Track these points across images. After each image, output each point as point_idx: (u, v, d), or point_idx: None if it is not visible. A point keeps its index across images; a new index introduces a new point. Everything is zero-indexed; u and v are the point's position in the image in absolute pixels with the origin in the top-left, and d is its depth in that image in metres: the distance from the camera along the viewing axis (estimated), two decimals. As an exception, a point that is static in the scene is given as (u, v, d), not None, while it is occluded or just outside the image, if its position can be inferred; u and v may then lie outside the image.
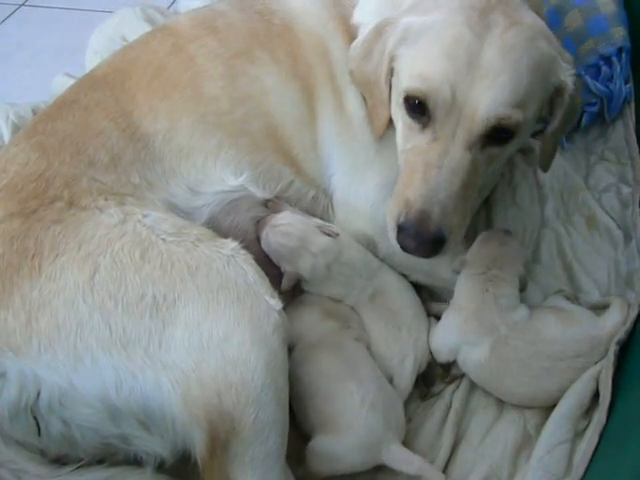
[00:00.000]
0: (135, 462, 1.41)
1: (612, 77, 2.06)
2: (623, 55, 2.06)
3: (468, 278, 1.66)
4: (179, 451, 1.37)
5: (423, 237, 1.42)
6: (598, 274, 1.83)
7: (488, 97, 1.38)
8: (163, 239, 1.42)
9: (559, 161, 2.01)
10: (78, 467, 1.38)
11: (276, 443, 1.34)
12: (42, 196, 1.46)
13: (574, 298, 1.74)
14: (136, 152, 1.61)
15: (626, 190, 1.96)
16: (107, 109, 1.64)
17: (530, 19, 1.47)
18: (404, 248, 1.47)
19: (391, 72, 1.56)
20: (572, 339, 1.58)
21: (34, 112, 2.24)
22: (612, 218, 1.91)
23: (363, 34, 1.66)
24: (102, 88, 1.68)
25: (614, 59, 2.05)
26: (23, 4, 3.67)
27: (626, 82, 2.06)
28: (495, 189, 2.00)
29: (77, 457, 1.39)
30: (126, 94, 1.66)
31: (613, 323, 1.60)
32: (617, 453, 1.39)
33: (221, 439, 1.29)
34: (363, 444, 1.47)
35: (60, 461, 1.40)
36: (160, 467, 1.40)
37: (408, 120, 1.50)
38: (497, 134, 1.43)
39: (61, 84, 2.39)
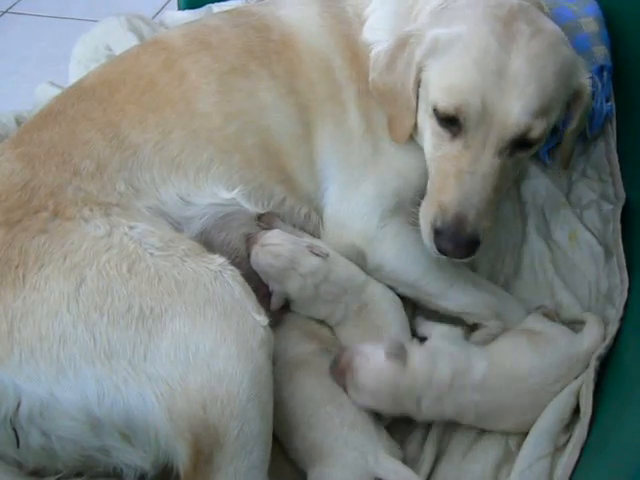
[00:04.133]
0: (115, 474, 1.39)
1: (594, 95, 2.08)
2: (605, 73, 2.08)
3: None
4: (161, 463, 1.36)
5: (460, 239, 1.50)
6: (579, 290, 1.84)
7: (518, 106, 1.45)
8: (151, 253, 1.41)
9: (541, 177, 2.03)
10: (56, 480, 1.36)
11: (260, 457, 1.33)
12: (27, 206, 1.45)
13: (554, 315, 1.75)
14: (123, 160, 1.59)
15: (607, 207, 1.97)
16: (94, 120, 1.63)
17: (550, 26, 1.55)
18: (441, 250, 1.55)
19: (418, 83, 1.60)
20: (550, 366, 1.58)
21: (17, 120, 2.22)
22: (593, 234, 1.92)
23: (378, 50, 1.70)
24: (90, 99, 1.67)
25: (596, 77, 2.07)
26: (6, 11, 3.66)
27: (607, 100, 2.08)
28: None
29: (55, 469, 1.38)
30: (115, 106, 1.65)
31: (591, 340, 1.61)
32: (597, 467, 1.40)
33: (205, 452, 1.29)
34: (348, 461, 1.47)
35: (38, 473, 1.38)
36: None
37: (438, 129, 1.55)
38: (524, 140, 1.49)
39: (44, 93, 2.37)
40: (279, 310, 1.72)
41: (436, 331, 1.68)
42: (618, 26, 2.16)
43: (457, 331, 1.68)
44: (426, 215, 1.58)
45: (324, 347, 1.69)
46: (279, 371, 1.54)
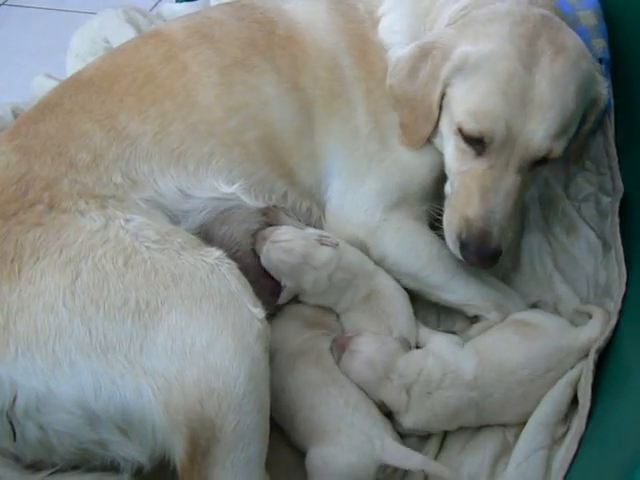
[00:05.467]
0: (112, 468, 1.39)
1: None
2: (603, 67, 2.07)
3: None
4: (158, 457, 1.36)
5: (485, 253, 1.59)
6: (578, 283, 1.85)
7: (540, 130, 1.51)
8: (147, 246, 1.41)
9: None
10: (53, 472, 1.36)
11: (257, 449, 1.33)
12: (22, 199, 1.44)
13: (554, 309, 1.75)
14: (120, 150, 1.59)
15: (605, 200, 1.97)
16: (92, 111, 1.62)
17: (571, 40, 1.58)
18: (467, 261, 1.63)
19: (442, 95, 1.63)
20: (538, 357, 1.59)
21: (14, 113, 2.22)
22: (591, 228, 1.92)
23: (397, 54, 1.72)
24: (88, 91, 1.66)
25: (594, 71, 2.07)
26: (3, 3, 3.64)
27: (606, 93, 2.08)
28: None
29: (53, 462, 1.37)
30: (113, 98, 1.64)
31: (589, 335, 1.62)
32: (595, 460, 1.40)
33: (202, 445, 1.29)
34: (355, 443, 1.47)
35: (35, 466, 1.37)
36: (138, 473, 1.39)
37: (463, 146, 1.60)
38: (545, 158, 1.57)
39: (41, 85, 2.38)
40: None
41: (433, 339, 1.70)
42: (616, 19, 2.15)
43: (454, 340, 1.70)
44: (451, 225, 1.63)
45: (325, 332, 1.70)
46: (281, 361, 1.57)
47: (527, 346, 1.60)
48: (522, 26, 1.55)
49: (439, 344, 1.67)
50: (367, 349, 1.60)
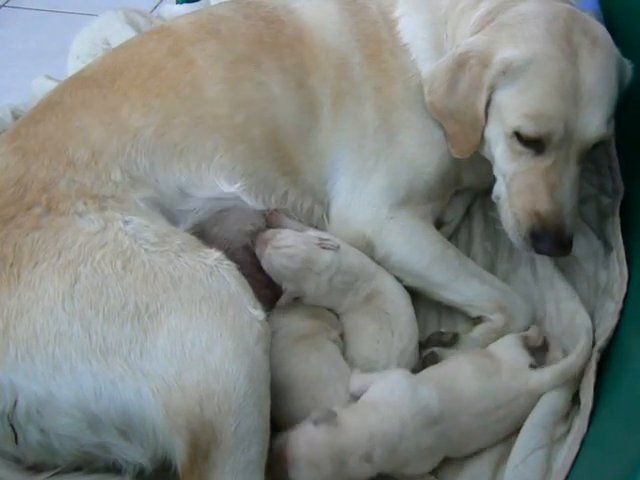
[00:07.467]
0: (114, 470, 1.40)
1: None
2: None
3: None
4: (159, 459, 1.36)
5: (562, 242, 1.62)
6: (578, 283, 1.84)
7: (595, 121, 1.56)
8: (145, 249, 1.40)
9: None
10: (54, 474, 1.37)
11: (257, 452, 1.33)
12: (20, 202, 1.44)
13: (538, 339, 1.70)
14: (121, 144, 1.58)
15: (606, 200, 1.97)
16: (92, 106, 1.61)
17: (599, 28, 1.63)
18: (542, 252, 1.67)
19: (487, 103, 1.63)
20: (489, 393, 1.55)
21: (13, 114, 2.23)
22: (592, 228, 1.93)
23: (426, 67, 1.75)
24: (89, 87, 1.66)
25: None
26: (4, 5, 3.64)
27: (606, 93, 2.07)
28: (475, 200, 2.04)
29: (54, 464, 1.38)
30: (116, 92, 1.63)
31: (539, 381, 1.57)
32: (598, 460, 1.40)
33: (202, 448, 1.29)
34: None
35: (36, 468, 1.38)
36: (139, 475, 1.39)
37: (520, 148, 1.62)
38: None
39: (41, 86, 2.38)
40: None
41: (374, 385, 1.56)
42: (616, 20, 2.15)
43: (406, 376, 1.58)
44: (518, 224, 1.64)
45: (326, 325, 1.71)
46: (281, 342, 1.58)
47: (480, 380, 1.56)
48: (555, 23, 1.58)
49: (388, 387, 1.54)
50: (304, 455, 1.42)
